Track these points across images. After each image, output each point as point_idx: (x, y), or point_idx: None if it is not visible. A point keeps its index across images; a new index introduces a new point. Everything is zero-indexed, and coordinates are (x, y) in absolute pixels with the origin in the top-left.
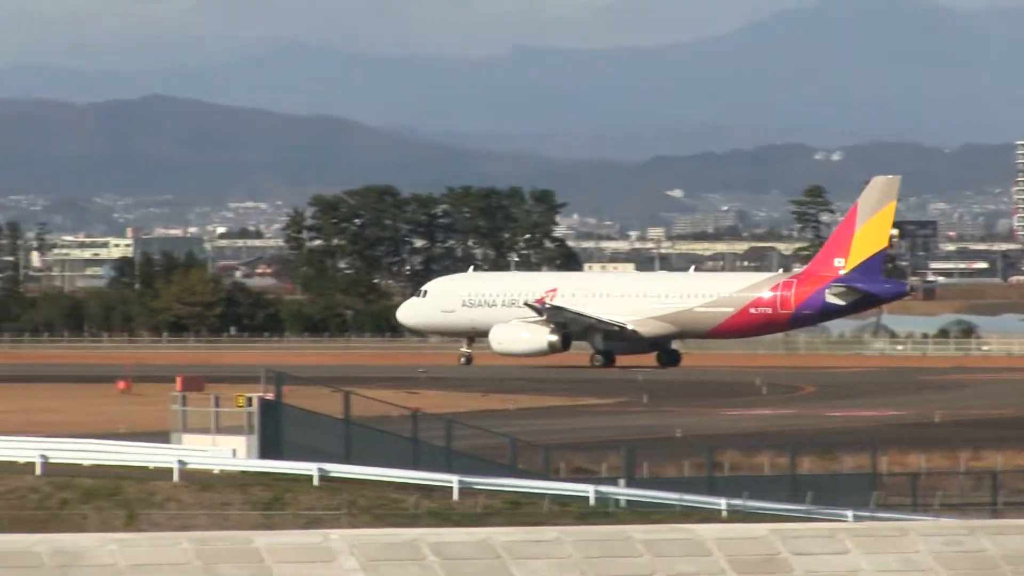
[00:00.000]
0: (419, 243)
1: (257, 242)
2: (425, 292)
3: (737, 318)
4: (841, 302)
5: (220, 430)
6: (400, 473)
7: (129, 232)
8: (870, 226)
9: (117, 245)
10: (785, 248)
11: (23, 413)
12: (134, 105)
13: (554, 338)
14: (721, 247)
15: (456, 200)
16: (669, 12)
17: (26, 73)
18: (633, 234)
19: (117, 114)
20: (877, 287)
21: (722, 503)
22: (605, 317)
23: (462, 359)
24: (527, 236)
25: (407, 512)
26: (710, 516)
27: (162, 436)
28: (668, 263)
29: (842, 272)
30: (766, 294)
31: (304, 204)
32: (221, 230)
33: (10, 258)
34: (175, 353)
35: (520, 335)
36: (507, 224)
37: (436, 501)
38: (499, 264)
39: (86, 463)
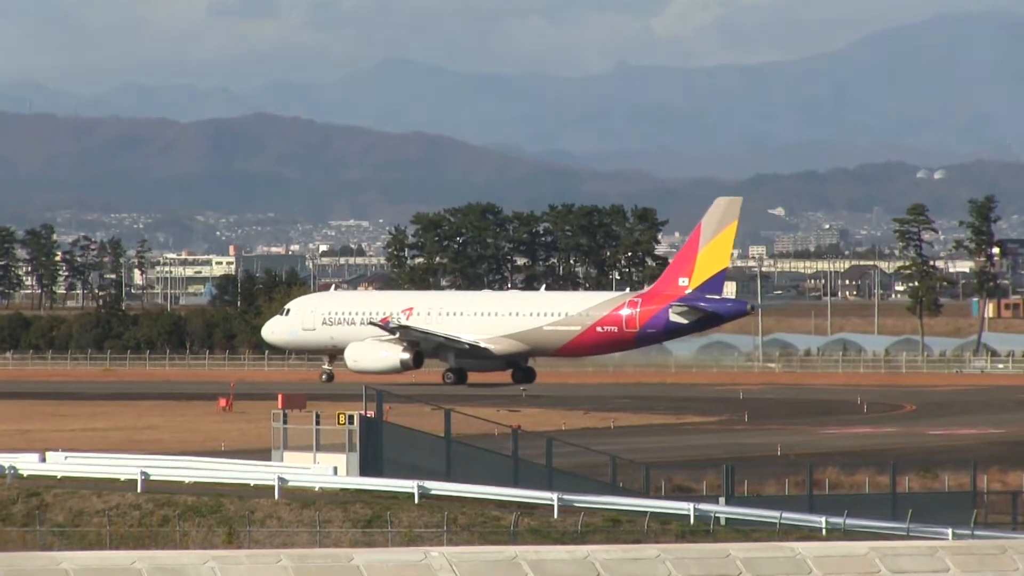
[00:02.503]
0: (521, 261)
1: (359, 260)
2: (288, 310)
3: (584, 336)
4: (684, 321)
5: (321, 448)
6: (500, 491)
7: (231, 250)
8: (713, 246)
9: (219, 263)
10: (887, 266)
11: (125, 431)
12: (238, 123)
13: (406, 356)
14: (823, 266)
15: (558, 218)
16: (773, 31)
17: (131, 92)
18: (735, 252)
19: (221, 132)
20: (719, 306)
21: (822, 521)
22: (455, 335)
23: (323, 376)
24: (628, 254)
25: (507, 530)
26: (810, 534)
27: (263, 453)
28: (770, 281)
29: (687, 292)
30: (612, 313)
31: (406, 222)
32: (323, 248)
33: (112, 276)
34: (276, 371)
35: (375, 353)
36: (608, 242)
37: (536, 519)
38: (601, 282)
39: (187, 480)
